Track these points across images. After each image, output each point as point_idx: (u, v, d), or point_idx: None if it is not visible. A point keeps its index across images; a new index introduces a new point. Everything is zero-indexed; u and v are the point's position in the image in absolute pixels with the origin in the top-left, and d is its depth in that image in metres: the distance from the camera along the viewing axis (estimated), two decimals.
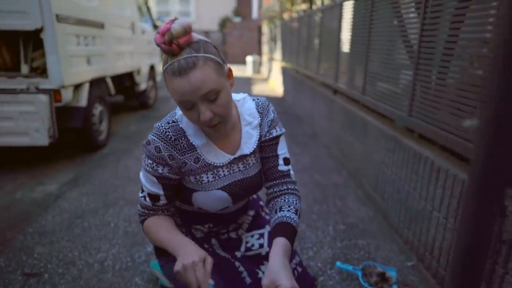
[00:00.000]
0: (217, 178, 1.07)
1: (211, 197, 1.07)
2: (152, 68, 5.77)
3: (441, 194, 1.72)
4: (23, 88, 2.63)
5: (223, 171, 1.07)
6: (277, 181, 1.13)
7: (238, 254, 1.33)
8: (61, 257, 1.83)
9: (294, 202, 1.09)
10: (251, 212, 1.37)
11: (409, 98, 2.17)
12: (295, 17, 6.67)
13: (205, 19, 17.05)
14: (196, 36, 0.89)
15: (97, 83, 3.46)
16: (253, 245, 1.34)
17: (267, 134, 1.10)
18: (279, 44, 8.62)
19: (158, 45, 0.85)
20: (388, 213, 2.30)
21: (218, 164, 1.05)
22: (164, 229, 1.03)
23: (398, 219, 2.16)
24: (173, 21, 0.86)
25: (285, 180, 1.13)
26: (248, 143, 1.08)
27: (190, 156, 1.03)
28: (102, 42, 3.54)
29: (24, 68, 2.78)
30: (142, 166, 1.04)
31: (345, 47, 3.52)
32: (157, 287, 1.64)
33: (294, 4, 7.70)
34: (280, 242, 0.95)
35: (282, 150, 1.13)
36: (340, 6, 3.59)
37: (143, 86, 5.14)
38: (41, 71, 2.79)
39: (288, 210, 1.05)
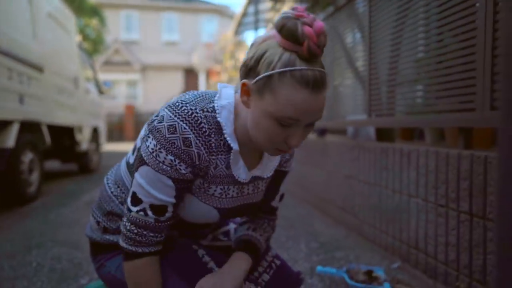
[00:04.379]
0: (223, 196, 0.87)
1: (200, 209, 0.87)
2: (95, 130, 5.47)
3: (416, 176, 1.62)
4: None
5: (233, 191, 0.88)
6: (262, 213, 1.04)
7: (204, 242, 1.09)
8: None
9: (268, 229, 1.04)
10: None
11: (367, 106, 2.19)
12: None
13: (153, 101, 17.34)
14: None
15: (29, 128, 3.11)
16: (219, 238, 1.14)
17: (283, 166, 0.96)
18: None
19: (304, 39, 0.65)
20: (362, 227, 2.11)
21: (240, 180, 0.86)
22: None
23: (374, 228, 1.98)
24: (305, 13, 0.68)
25: (271, 215, 1.05)
26: (269, 165, 0.90)
27: (222, 158, 0.82)
28: (39, 86, 3.28)
29: None
30: (150, 163, 0.77)
31: None
32: None
33: None
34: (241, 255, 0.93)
35: (283, 186, 1.01)
36: None
37: (84, 146, 4.76)
38: None
39: (260, 233, 1.00)
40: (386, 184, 1.87)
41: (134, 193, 0.80)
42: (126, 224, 0.82)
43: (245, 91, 0.74)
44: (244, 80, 0.74)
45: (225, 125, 0.78)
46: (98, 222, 0.99)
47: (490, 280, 1.22)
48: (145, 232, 0.81)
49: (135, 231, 0.80)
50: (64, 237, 2.11)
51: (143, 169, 0.78)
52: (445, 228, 1.44)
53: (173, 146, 0.75)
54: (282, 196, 1.02)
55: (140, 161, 0.78)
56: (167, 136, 0.75)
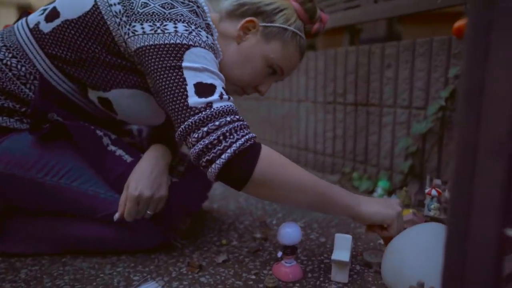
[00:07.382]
0: None
1: (156, 111, 0.84)
2: None
3: (305, 80, 1.69)
4: None
5: None
6: None
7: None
8: None
9: None
10: None
11: None
12: None
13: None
14: None
15: None
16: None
17: None
18: None
19: (317, 21, 0.85)
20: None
21: None
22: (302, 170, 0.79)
23: (264, 141, 2.04)
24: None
25: None
26: None
27: None
28: None
29: None
30: (196, 43, 0.70)
31: None
32: None
33: None
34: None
35: None
36: None
37: None
38: None
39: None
40: (275, 95, 1.92)
41: (198, 84, 0.67)
42: (217, 122, 0.66)
43: (246, 27, 0.79)
44: (254, 18, 0.79)
45: (213, 28, 0.82)
46: None
47: (370, 158, 1.41)
48: (238, 116, 0.71)
49: (235, 118, 0.69)
50: None
51: (192, 52, 0.68)
52: (332, 123, 1.57)
53: (196, 21, 0.73)
54: None
55: (179, 48, 0.68)
56: (194, 18, 0.73)
